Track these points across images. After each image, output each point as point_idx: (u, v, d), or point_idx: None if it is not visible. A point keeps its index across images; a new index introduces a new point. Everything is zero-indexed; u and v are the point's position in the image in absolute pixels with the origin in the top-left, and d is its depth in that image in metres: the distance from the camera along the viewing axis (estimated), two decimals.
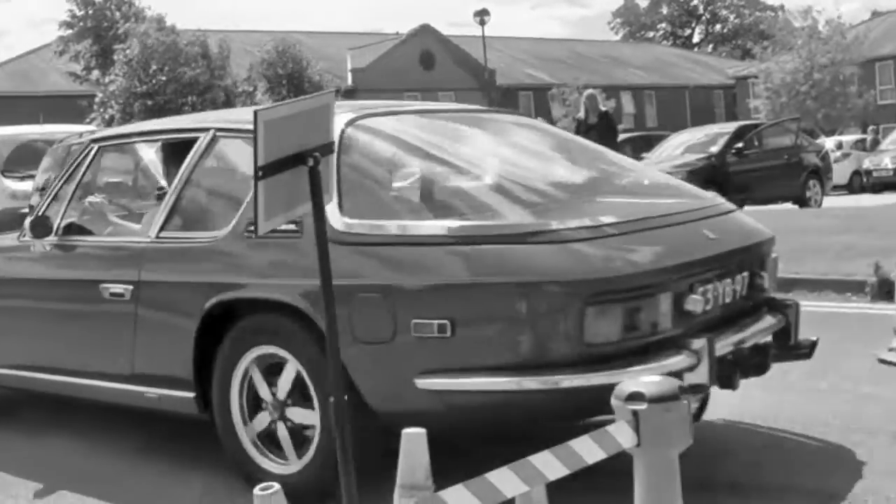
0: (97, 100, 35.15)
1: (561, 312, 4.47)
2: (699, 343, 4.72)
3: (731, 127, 25.24)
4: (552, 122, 31.28)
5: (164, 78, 32.60)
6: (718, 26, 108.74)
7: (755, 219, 6.12)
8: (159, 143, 7.31)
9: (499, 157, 5.98)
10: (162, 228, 5.82)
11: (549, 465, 3.24)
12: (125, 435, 6.97)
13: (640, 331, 4.65)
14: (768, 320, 5.63)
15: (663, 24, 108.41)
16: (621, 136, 23.00)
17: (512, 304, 4.54)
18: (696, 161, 22.38)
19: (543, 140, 6.79)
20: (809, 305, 10.50)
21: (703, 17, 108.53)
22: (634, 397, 3.45)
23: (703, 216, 5.52)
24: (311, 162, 3.56)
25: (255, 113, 3.36)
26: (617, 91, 61.99)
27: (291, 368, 5.14)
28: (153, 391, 5.78)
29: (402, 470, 4.03)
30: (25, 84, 51.72)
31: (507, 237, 4.66)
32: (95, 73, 42.57)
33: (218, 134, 5.94)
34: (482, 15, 47.97)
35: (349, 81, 52.27)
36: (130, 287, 5.79)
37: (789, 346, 5.73)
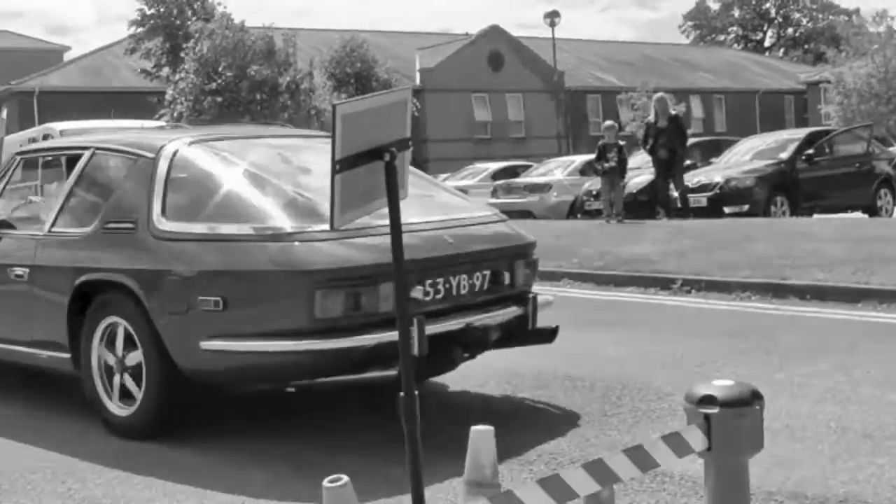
0: (167, 97, 35.48)
1: (298, 293, 5.94)
2: (414, 322, 5.80)
3: (802, 133, 24.92)
4: (621, 126, 31.13)
5: (231, 74, 32.82)
6: (790, 30, 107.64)
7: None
8: (61, 157, 8.74)
9: (296, 175, 7.21)
10: (52, 224, 7.50)
11: (622, 465, 3.23)
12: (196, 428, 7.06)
13: (362, 310, 6.02)
14: (508, 310, 6.92)
15: (734, 28, 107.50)
16: (690, 141, 22.82)
17: (265, 286, 6.14)
18: (764, 167, 22.15)
19: None
20: (879, 317, 10.40)
21: (776, 21, 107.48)
22: (706, 401, 3.42)
23: (455, 226, 6.86)
24: (387, 157, 3.56)
25: (334, 107, 3.37)
26: (686, 95, 61.56)
27: (123, 330, 6.78)
28: (45, 353, 7.36)
29: (469, 467, 4.04)
30: (97, 80, 52.37)
31: (270, 237, 6.18)
32: (165, 70, 42.97)
33: (97, 151, 7.66)
34: (552, 17, 47.92)
35: (417, 81, 52.36)
36: (27, 270, 7.44)
37: (529, 331, 7.11)
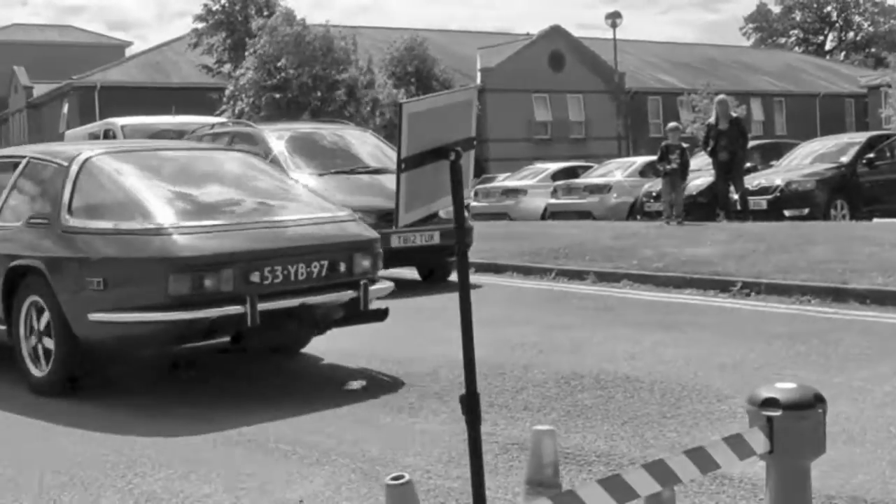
0: (227, 93, 35.68)
1: (157, 276, 7.58)
2: (247, 300, 7.64)
3: (863, 137, 24.64)
4: (683, 126, 30.92)
5: (291, 72, 32.94)
6: (851, 34, 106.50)
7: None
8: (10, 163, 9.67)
9: (180, 181, 8.95)
10: None
11: (683, 466, 3.21)
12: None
13: (206, 290, 7.61)
14: (344, 293, 8.36)
15: (795, 31, 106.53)
16: (750, 143, 22.63)
17: (133, 270, 7.80)
18: (825, 171, 21.96)
19: (233, 170, 9.69)
20: None
21: (837, 24, 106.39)
22: (769, 403, 3.40)
23: (300, 224, 8.55)
24: (452, 156, 3.57)
25: (401, 105, 3.38)
26: (746, 97, 61.10)
27: (39, 307, 8.34)
28: None
29: (530, 466, 4.05)
30: (158, 75, 52.83)
31: (144, 231, 7.86)
32: (227, 67, 43.22)
33: (31, 160, 9.29)
34: (614, 17, 47.72)
35: (478, 80, 52.29)
36: None
37: (361, 312, 8.52)
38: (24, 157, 9.51)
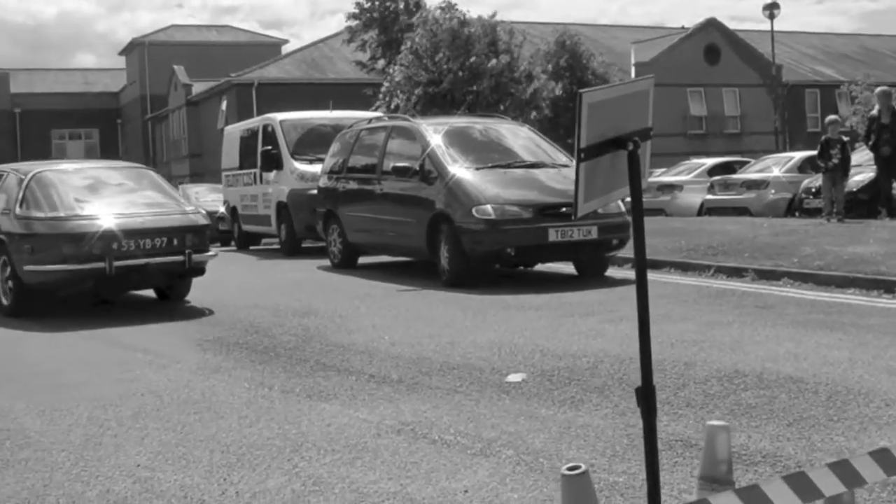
0: (383, 88, 35.99)
1: (56, 244, 12.59)
2: (107, 259, 12.57)
3: None
4: (842, 120, 30.16)
5: (446, 66, 33.05)
6: None
7: None
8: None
9: (87, 189, 13.84)
10: None
11: (868, 468, 3.12)
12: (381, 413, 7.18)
13: (84, 253, 12.56)
14: (176, 258, 13.03)
15: None
16: None
17: (44, 241, 12.72)
18: None
19: (135, 179, 14.66)
20: None
21: None
22: None
23: (153, 215, 13.34)
24: (630, 146, 3.53)
25: (580, 95, 3.36)
26: None
27: (4, 262, 13.34)
28: None
29: (704, 463, 3.98)
30: (314, 71, 53.61)
31: (54, 218, 12.88)
32: (381, 63, 43.60)
33: (10, 173, 14.16)
34: (771, 8, 46.72)
35: (632, 76, 51.83)
36: None
37: (186, 269, 13.26)
38: (3, 172, 14.52)
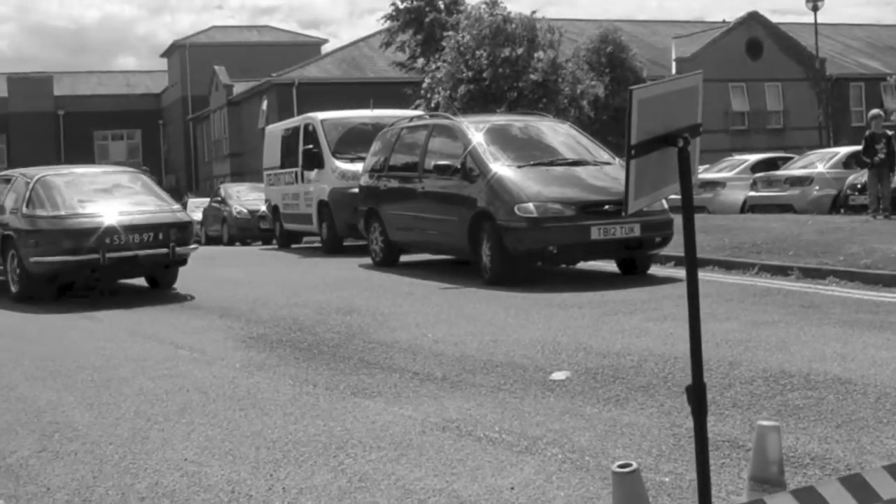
0: (424, 86, 35.99)
1: (56, 239, 14.52)
2: (101, 251, 14.42)
3: None
4: (887, 113, 29.89)
5: (487, 63, 32.99)
6: None
7: None
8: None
9: (87, 192, 15.53)
10: (3, 210, 15.83)
11: None
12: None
13: (82, 246, 14.47)
14: (161, 251, 14.84)
15: None
16: None
17: (47, 236, 14.57)
18: None
19: (129, 182, 16.55)
20: None
21: None
22: None
23: (141, 213, 15.14)
24: (680, 143, 3.51)
25: (631, 91, 3.35)
26: None
27: (14, 254, 15.15)
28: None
29: (754, 463, 3.95)
30: (354, 71, 53.67)
31: (55, 216, 14.84)
32: (420, 62, 43.60)
33: (19, 177, 16.14)
34: (815, 0, 46.35)
35: (673, 71, 51.54)
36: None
37: (170, 261, 15.05)
38: (13, 176, 16.58)
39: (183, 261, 15.45)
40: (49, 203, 15.05)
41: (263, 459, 6.20)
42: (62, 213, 14.87)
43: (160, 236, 14.82)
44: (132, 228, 14.69)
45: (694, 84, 3.75)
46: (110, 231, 14.53)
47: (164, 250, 14.81)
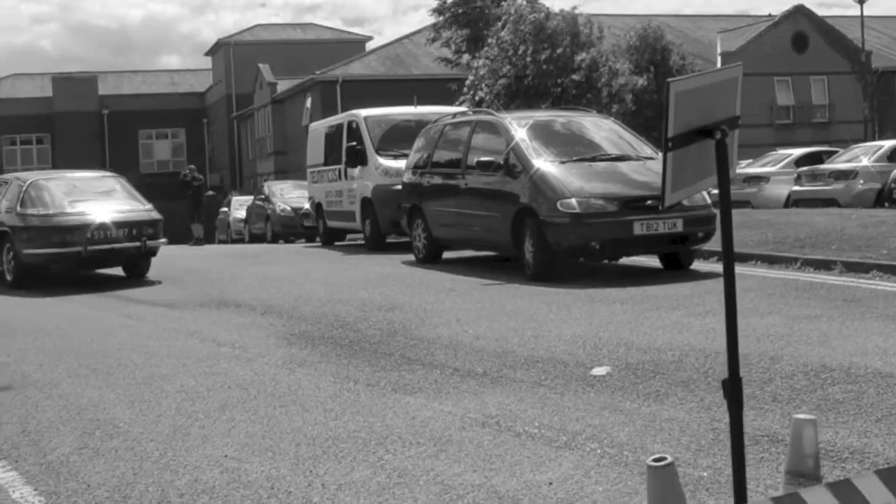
0: (467, 82, 35.97)
1: (45, 235, 17.01)
2: (83, 244, 17.03)
3: None
4: None
5: (530, 59, 32.94)
6: None
7: None
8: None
9: (75, 193, 18.04)
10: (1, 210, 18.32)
11: None
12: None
13: (67, 240, 16.96)
14: (136, 244, 17.39)
15: None
16: None
17: (39, 231, 17.08)
18: None
19: (109, 185, 19.15)
20: None
21: None
22: None
23: (119, 212, 17.57)
24: (718, 135, 3.49)
25: (668, 84, 3.33)
26: None
27: (8, 248, 17.76)
28: None
29: (790, 457, 3.93)
30: (398, 68, 53.74)
31: (45, 215, 17.33)
32: (465, 58, 43.59)
33: (13, 180, 18.73)
34: None
35: (718, 66, 51.19)
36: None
37: (142, 253, 17.68)
38: (8, 179, 19.03)
39: (154, 252, 17.98)
40: (40, 203, 17.49)
41: (303, 455, 6.23)
42: (51, 212, 17.34)
43: (134, 232, 17.40)
44: (111, 225, 17.23)
45: (733, 76, 3.73)
46: (92, 227, 17.03)
47: (138, 244, 17.42)
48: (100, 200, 17.96)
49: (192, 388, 8.32)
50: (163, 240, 18.08)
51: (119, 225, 17.27)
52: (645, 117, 35.46)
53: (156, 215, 18.08)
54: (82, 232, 16.91)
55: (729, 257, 3.53)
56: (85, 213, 17.29)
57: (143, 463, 6.24)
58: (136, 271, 18.27)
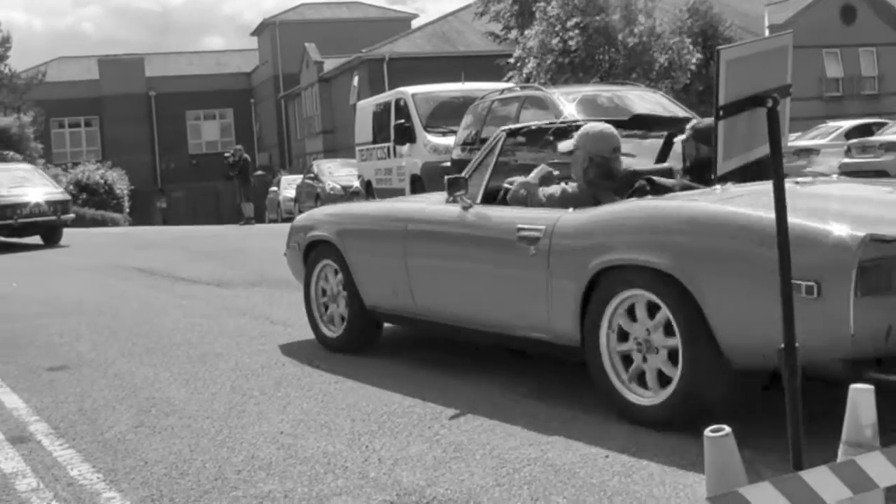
0: (514, 56, 35.83)
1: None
2: (14, 218, 23.52)
3: None
4: None
5: (578, 32, 32.75)
6: None
7: None
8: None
9: (12, 180, 24.51)
10: None
11: None
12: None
13: (5, 217, 23.49)
14: (50, 219, 23.94)
15: None
16: None
17: None
18: None
19: (30, 173, 26.29)
20: None
21: None
22: None
23: (37, 196, 23.93)
24: (769, 103, 3.47)
25: (718, 52, 3.32)
26: None
27: None
28: None
29: (847, 427, 3.89)
30: (445, 45, 53.66)
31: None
32: (514, 33, 43.39)
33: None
34: None
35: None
36: None
37: (56, 226, 24.16)
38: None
39: (66, 224, 24.54)
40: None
41: (359, 431, 6.27)
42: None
43: (51, 209, 23.71)
44: (33, 204, 23.53)
45: (784, 44, 3.71)
46: (20, 205, 23.24)
47: (53, 218, 23.82)
48: (27, 185, 24.38)
49: (246, 366, 8.39)
50: (71, 215, 24.81)
51: (40, 204, 23.63)
52: (697, 94, 35.20)
53: (66, 196, 25.36)
54: (13, 209, 23.17)
55: (782, 226, 3.51)
56: (16, 195, 23.56)
57: (200, 440, 6.31)
58: (51, 239, 24.19)
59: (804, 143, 28.87)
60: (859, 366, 4.86)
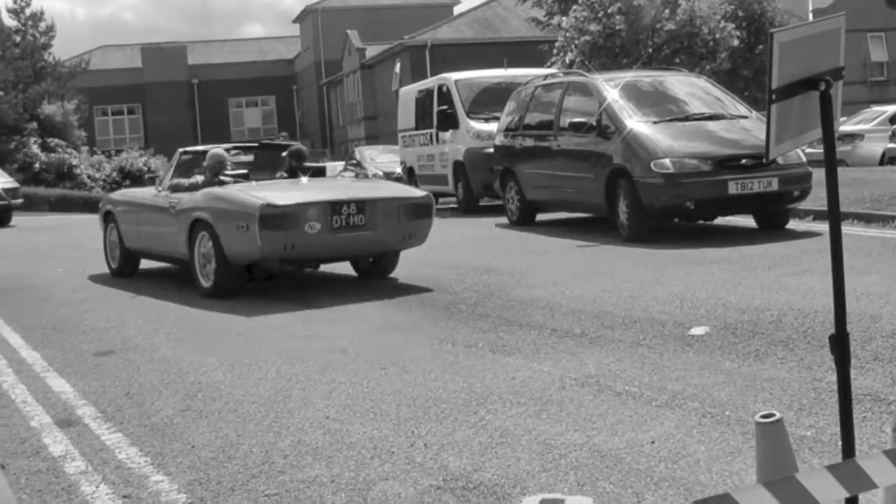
0: (557, 44, 35.69)
1: None
2: None
3: None
4: None
5: (619, 18, 32.57)
6: None
7: None
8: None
9: None
10: None
11: None
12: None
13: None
14: (3, 202, 29.78)
15: None
16: None
17: None
18: None
19: None
20: None
21: None
22: None
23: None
24: (822, 86, 3.44)
25: (771, 34, 3.29)
26: None
27: None
28: None
29: None
30: (487, 31, 53.59)
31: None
32: (557, 18, 43.20)
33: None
34: None
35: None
36: None
37: (8, 209, 29.94)
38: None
39: (16, 207, 29.18)
40: None
41: (405, 416, 6.29)
42: None
43: (5, 195, 28.36)
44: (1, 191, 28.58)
45: (836, 26, 3.66)
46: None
47: (5, 202, 28.39)
48: None
49: (291, 352, 8.42)
50: (20, 200, 29.84)
51: (5, 191, 28.56)
52: (743, 78, 34.90)
53: (16, 184, 30.52)
54: None
55: (834, 209, 3.49)
56: None
57: (246, 424, 6.34)
58: (3, 220, 28.28)
59: (849, 128, 28.59)
60: None
